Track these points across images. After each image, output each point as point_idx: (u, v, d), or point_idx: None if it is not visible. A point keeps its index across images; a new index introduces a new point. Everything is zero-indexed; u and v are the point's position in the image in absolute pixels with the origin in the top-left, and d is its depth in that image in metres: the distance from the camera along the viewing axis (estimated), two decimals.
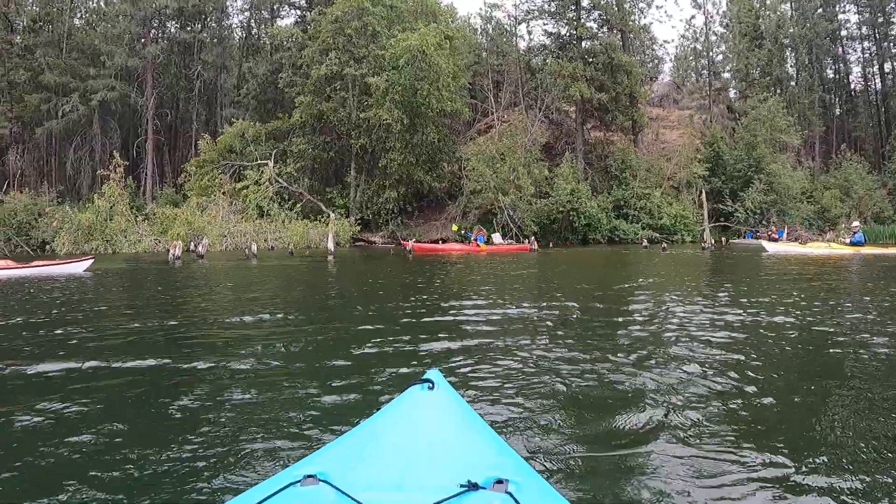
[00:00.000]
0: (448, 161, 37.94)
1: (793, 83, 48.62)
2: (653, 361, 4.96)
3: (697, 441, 3.14)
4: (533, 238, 30.72)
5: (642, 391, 4.03)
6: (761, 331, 6.29)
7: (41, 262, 18.54)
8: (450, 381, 4.21)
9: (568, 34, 39.60)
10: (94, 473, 2.84)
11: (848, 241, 23.51)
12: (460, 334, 6.28)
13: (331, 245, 27.23)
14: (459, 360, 5.05)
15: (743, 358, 5.01)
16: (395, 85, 33.41)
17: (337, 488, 1.54)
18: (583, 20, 39.41)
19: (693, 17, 47.63)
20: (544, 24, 40.56)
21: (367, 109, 34.66)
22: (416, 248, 27.10)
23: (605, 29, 39.96)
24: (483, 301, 9.19)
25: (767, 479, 2.72)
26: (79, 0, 48.13)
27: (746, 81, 45.35)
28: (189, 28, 44.31)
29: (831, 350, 5.49)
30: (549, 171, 35.79)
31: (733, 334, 6.09)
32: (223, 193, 34.36)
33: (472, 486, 1.53)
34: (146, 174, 41.46)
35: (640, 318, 7.24)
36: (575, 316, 7.68)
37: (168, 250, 25.41)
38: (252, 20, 47.98)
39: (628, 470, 2.79)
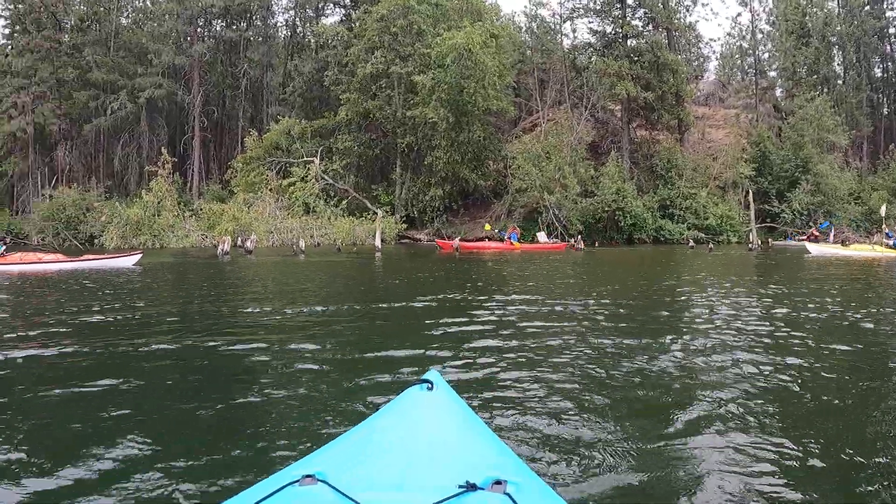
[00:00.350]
0: (493, 159, 37.87)
1: (840, 82, 47.67)
2: (664, 363, 4.90)
3: (698, 442, 3.13)
4: (579, 237, 30.55)
5: (641, 392, 3.99)
6: (806, 332, 6.19)
7: (91, 256, 19.01)
8: (470, 378, 4.23)
9: (613, 32, 39.26)
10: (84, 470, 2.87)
11: (891, 243, 23.10)
12: (490, 333, 6.32)
13: (378, 242, 27.38)
14: (476, 358, 5.08)
15: (779, 359, 4.96)
16: (440, 83, 33.42)
17: (335, 488, 1.54)
18: (628, 18, 39.04)
19: (739, 14, 46.63)
20: (589, 22, 40.28)
21: (413, 108, 34.74)
22: (462, 247, 27.26)
23: (650, 27, 39.51)
24: (520, 298, 9.33)
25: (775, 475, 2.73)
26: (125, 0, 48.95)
27: (793, 80, 44.53)
28: (235, 27, 44.73)
29: (878, 349, 5.35)
30: (594, 170, 35.55)
31: (776, 334, 6.04)
32: (270, 190, 34.65)
33: (471, 487, 1.53)
34: (193, 170, 42.03)
35: (679, 320, 7.26)
36: (611, 316, 7.56)
37: (216, 245, 25.80)
38: (297, 18, 48.34)
39: (627, 470, 2.80)
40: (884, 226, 27.78)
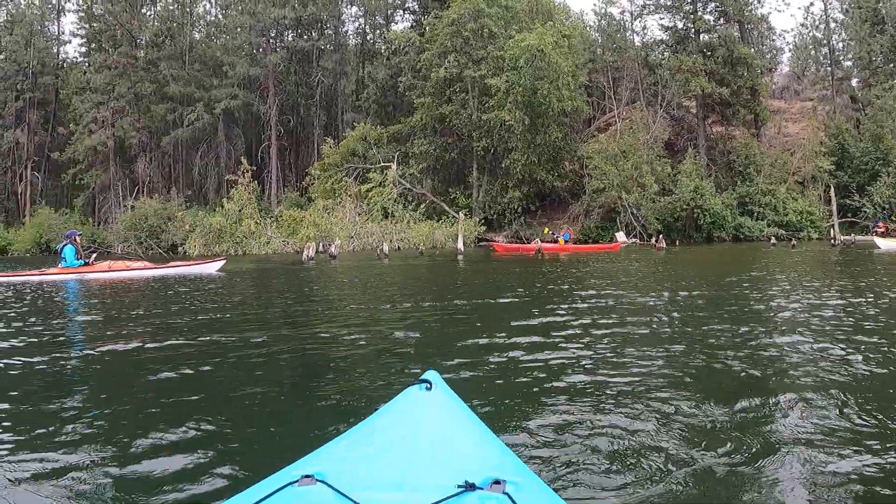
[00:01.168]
0: (569, 160, 37.83)
1: None
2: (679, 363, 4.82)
3: (700, 442, 3.07)
4: (660, 236, 30.29)
5: (644, 396, 3.91)
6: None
7: (177, 263, 19.63)
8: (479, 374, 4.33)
9: (685, 27, 38.83)
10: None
11: None
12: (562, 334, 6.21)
13: (461, 245, 27.66)
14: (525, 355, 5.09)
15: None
16: (515, 85, 33.55)
17: (334, 488, 1.52)
18: (699, 13, 38.56)
19: (811, 3, 45.50)
20: (660, 19, 39.94)
21: (488, 111, 34.91)
22: (499, 248, 27.72)
23: (722, 21, 38.94)
24: (591, 295, 9.44)
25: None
26: (197, 14, 50.37)
27: (869, 69, 43.31)
28: (306, 37, 45.63)
29: None
30: (671, 167, 35.23)
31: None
32: (349, 196, 35.23)
33: (470, 487, 1.51)
34: (270, 178, 43.03)
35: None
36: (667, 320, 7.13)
37: (300, 251, 26.44)
38: (366, 26, 49.06)
39: (628, 470, 2.76)
40: None
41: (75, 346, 6.28)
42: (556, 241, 29.03)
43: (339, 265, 20.64)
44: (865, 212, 36.04)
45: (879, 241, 24.44)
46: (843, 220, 35.64)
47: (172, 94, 44.82)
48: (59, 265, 16.01)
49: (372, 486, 1.58)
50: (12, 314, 8.76)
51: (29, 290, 12.58)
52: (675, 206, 33.58)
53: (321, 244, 29.49)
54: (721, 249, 27.57)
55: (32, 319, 8.11)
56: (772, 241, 30.54)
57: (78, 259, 15.90)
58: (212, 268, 17.73)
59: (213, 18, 51.01)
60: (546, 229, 33.33)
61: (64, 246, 16.02)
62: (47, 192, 53.49)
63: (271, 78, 43.27)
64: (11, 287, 13.54)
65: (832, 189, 33.96)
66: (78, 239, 16.34)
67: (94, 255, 17.43)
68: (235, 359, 5.25)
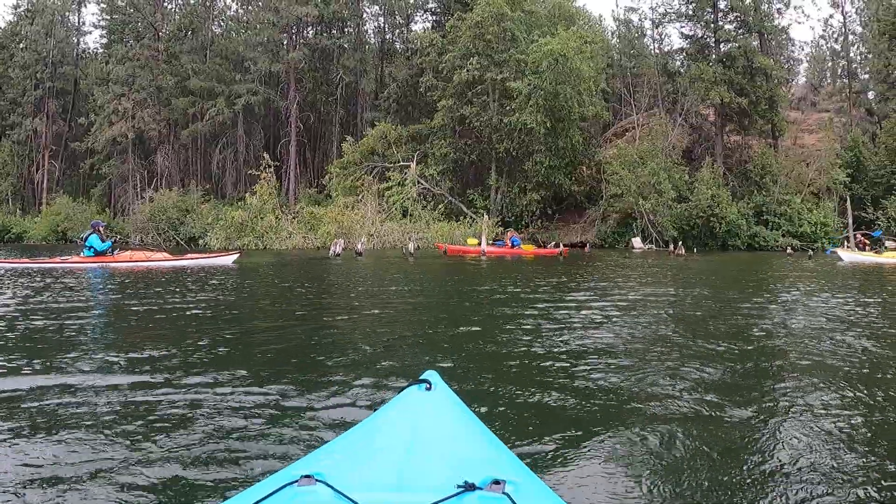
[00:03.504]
0: (587, 164, 38.07)
1: None
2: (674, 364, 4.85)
3: (700, 442, 3.11)
4: (679, 243, 30.51)
5: (643, 395, 3.97)
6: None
7: (194, 255, 20.29)
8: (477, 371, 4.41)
9: (705, 36, 39.06)
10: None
11: None
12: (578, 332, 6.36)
13: (484, 245, 27.94)
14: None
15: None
16: (537, 89, 33.81)
17: (334, 488, 1.53)
18: (720, 22, 38.78)
19: (831, 16, 45.75)
20: (681, 27, 40.16)
21: (509, 114, 35.17)
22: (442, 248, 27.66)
23: (742, 31, 39.14)
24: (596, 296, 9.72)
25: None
26: (219, 9, 50.72)
27: (887, 83, 43.51)
28: (328, 34, 45.91)
29: None
30: (688, 175, 35.47)
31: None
32: (371, 194, 35.49)
33: (469, 487, 1.52)
34: (289, 174, 43.30)
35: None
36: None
37: (320, 248, 26.72)
38: (386, 25, 49.37)
39: (628, 470, 2.79)
40: None
41: (73, 335, 6.20)
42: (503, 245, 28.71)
43: (364, 262, 20.92)
44: (879, 224, 36.26)
45: (843, 253, 24.65)
46: (858, 232, 35.85)
47: (193, 87, 45.13)
48: (82, 254, 16.42)
49: (372, 486, 1.59)
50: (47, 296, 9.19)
51: (52, 278, 12.86)
52: (692, 214, 33.82)
53: (341, 241, 29.77)
54: (739, 257, 27.65)
55: (54, 304, 8.44)
56: (788, 251, 30.79)
57: (103, 243, 16.29)
58: (227, 260, 18.28)
59: (233, 13, 51.31)
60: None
61: (89, 235, 16.39)
62: (64, 182, 53.92)
63: (292, 74, 43.58)
64: (39, 273, 13.96)
65: (848, 201, 34.14)
66: (101, 229, 16.72)
67: (118, 247, 17.55)
68: (236, 359, 5.17)
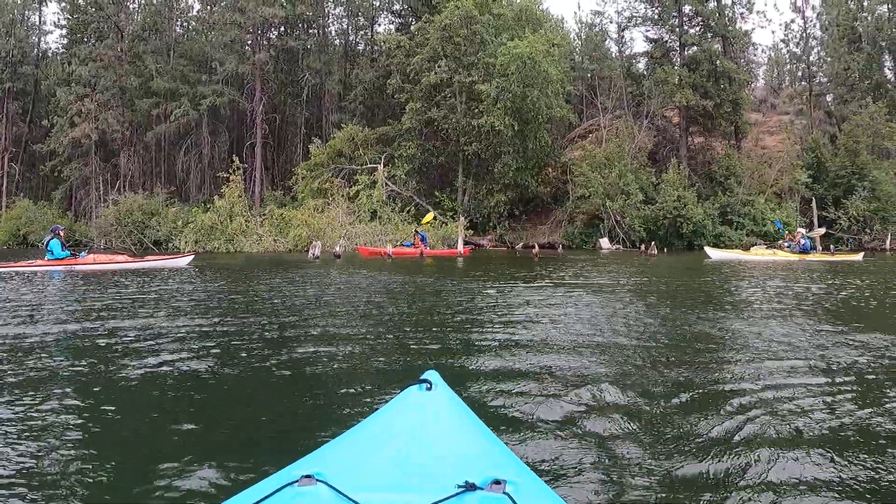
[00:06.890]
0: (553, 166, 38.33)
1: (890, 86, 47.41)
2: (665, 365, 4.91)
3: (701, 443, 3.14)
4: (651, 244, 30.74)
5: (643, 395, 4.00)
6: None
7: (152, 257, 20.92)
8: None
9: (670, 40, 39.59)
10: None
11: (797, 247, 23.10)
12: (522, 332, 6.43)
13: (460, 246, 28.11)
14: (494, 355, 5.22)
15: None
16: (505, 92, 33.95)
17: (334, 488, 1.54)
18: (685, 27, 39.33)
19: (793, 20, 46.67)
20: (646, 31, 40.63)
21: (477, 116, 35.24)
22: (362, 251, 27.59)
23: (706, 35, 39.74)
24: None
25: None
26: (181, 9, 49.95)
27: (845, 86, 44.53)
28: (294, 35, 45.48)
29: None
30: (654, 177, 35.91)
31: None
32: (342, 196, 35.26)
33: (470, 487, 1.53)
34: (255, 177, 42.84)
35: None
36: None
37: (304, 250, 26.64)
38: (349, 27, 49.06)
39: (626, 471, 2.80)
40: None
41: (59, 339, 6.09)
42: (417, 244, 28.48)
43: (342, 263, 20.88)
44: (840, 224, 37.11)
45: (710, 250, 25.11)
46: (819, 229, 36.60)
47: (157, 88, 44.41)
48: (46, 258, 16.67)
49: (372, 486, 1.60)
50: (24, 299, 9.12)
51: (21, 280, 12.94)
52: (658, 215, 34.26)
53: (319, 244, 29.51)
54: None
55: (31, 307, 8.37)
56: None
57: (63, 251, 16.65)
58: (182, 262, 18.74)
59: (197, 13, 50.53)
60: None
61: (50, 240, 16.72)
62: (24, 185, 52.74)
63: (258, 76, 43.13)
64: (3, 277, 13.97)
65: (815, 200, 34.86)
66: (61, 233, 17.04)
67: (89, 253, 18.08)
68: (235, 357, 5.18)
